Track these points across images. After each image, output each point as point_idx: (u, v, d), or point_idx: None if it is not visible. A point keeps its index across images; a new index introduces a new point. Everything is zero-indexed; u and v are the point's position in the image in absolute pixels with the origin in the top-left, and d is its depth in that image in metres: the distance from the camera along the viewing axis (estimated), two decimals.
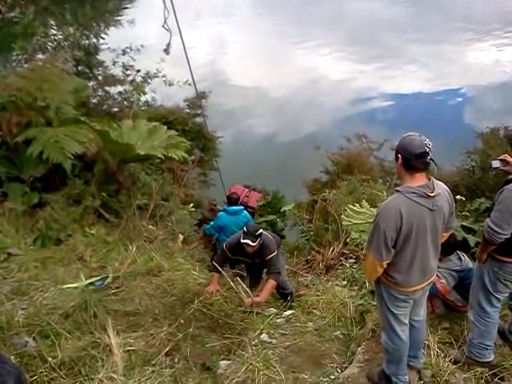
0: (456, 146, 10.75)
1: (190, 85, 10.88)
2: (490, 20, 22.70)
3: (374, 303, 4.10)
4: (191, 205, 8.83)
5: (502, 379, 3.58)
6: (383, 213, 2.99)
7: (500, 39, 20.86)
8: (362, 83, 18.69)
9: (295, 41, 22.11)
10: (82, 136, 6.66)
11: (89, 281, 4.96)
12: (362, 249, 6.36)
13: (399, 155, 3.00)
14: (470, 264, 4.24)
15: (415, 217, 2.94)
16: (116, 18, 11.42)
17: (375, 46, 21.50)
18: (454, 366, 3.67)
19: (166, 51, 9.35)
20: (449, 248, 4.20)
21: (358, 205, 7.09)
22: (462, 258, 4.23)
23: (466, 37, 21.40)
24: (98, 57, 10.73)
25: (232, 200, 7.32)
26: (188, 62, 8.29)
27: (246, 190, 9.63)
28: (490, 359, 3.68)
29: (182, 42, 8.51)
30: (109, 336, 4.01)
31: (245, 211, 7.27)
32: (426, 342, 3.81)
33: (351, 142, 11.99)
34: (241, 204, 9.20)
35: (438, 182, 3.06)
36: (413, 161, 2.93)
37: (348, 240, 7.16)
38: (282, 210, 10.60)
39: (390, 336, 3.34)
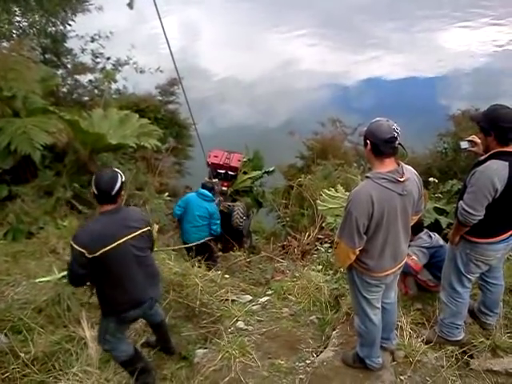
0: (429, 129, 10.91)
1: (161, 71, 10.78)
2: (462, 5, 22.86)
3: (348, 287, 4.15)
4: (166, 193, 8.76)
5: (471, 356, 3.67)
6: (354, 200, 2.99)
7: (470, 23, 21.07)
8: (336, 68, 18.73)
9: (268, 26, 21.96)
10: (51, 126, 6.53)
11: (62, 274, 4.86)
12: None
13: (368, 141, 3.00)
14: (441, 241, 4.31)
15: (386, 202, 2.95)
16: (84, 4, 11.05)
17: (349, 31, 21.55)
18: (426, 346, 3.75)
19: (130, 5, 8.97)
20: (416, 228, 4.26)
21: (333, 189, 7.15)
22: (433, 235, 4.30)
23: (438, 21, 21.54)
24: (65, 44, 10.48)
25: (206, 187, 7.25)
26: (168, 46, 8.11)
27: (227, 152, 9.67)
28: (461, 337, 3.77)
29: (162, 24, 8.31)
30: (83, 329, 3.95)
31: (213, 204, 7.23)
32: (399, 324, 3.88)
33: (325, 127, 12.05)
34: (222, 166, 9.28)
35: (406, 166, 3.07)
36: (381, 146, 2.93)
37: (324, 225, 7.23)
38: (263, 171, 10.68)
39: (363, 320, 3.38)
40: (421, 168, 9.50)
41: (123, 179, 3.29)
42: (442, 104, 15.39)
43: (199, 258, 5.89)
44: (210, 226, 7.05)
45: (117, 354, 3.52)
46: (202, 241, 6.99)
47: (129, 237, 3.22)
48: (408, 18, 21.65)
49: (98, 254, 3.09)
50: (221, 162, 9.40)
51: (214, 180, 8.65)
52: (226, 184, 9.39)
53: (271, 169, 10.81)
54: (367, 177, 3.03)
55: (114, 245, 3.15)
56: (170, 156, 10.68)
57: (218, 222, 7.12)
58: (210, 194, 7.14)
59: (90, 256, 3.07)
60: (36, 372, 3.55)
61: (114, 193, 3.18)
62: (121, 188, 3.24)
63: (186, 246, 6.91)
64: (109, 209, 3.22)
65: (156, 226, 7.02)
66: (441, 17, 21.64)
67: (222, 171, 9.43)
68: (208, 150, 9.72)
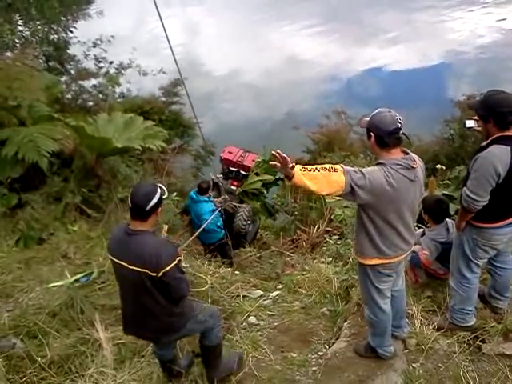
0: (435, 117, 10.82)
1: (164, 73, 10.82)
2: None
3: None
4: (175, 194, 8.79)
5: (483, 341, 3.67)
6: (371, 175, 2.87)
7: (474, 7, 20.84)
8: (340, 60, 18.63)
9: (271, 18, 21.89)
10: (57, 133, 6.60)
11: (74, 278, 4.94)
12: (346, 224, 6.45)
13: (371, 133, 2.98)
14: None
15: (400, 189, 2.93)
16: (84, 10, 11.15)
17: (353, 22, 21.37)
18: (438, 333, 3.76)
19: None
20: (440, 215, 4.25)
21: None
22: (451, 229, 4.17)
23: (442, 8, 21.31)
24: (68, 51, 10.57)
25: (200, 188, 7.22)
26: (170, 45, 8.16)
27: (242, 150, 9.27)
28: (472, 323, 3.77)
29: (162, 24, 8.34)
30: (97, 331, 4.00)
31: (205, 204, 7.16)
32: (410, 312, 3.89)
33: (330, 120, 12.02)
34: (235, 164, 9.02)
35: (412, 154, 3.08)
36: (386, 138, 2.92)
37: (332, 217, 7.24)
38: (277, 176, 10.01)
39: (373, 310, 3.39)
40: (428, 155, 9.46)
41: (164, 195, 3.04)
42: (447, 91, 15.25)
43: (218, 259, 5.92)
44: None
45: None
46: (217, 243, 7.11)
47: (128, 266, 2.98)
48: (412, 6, 21.43)
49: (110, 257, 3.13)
50: (234, 159, 9.04)
51: (218, 175, 8.55)
52: (236, 183, 9.11)
53: None
54: (381, 163, 2.96)
55: (116, 261, 3.05)
56: (177, 156, 10.72)
57: (206, 216, 7.00)
58: (200, 198, 7.09)
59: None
60: (53, 375, 3.61)
61: (148, 208, 2.92)
62: (157, 204, 2.97)
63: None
64: (134, 228, 2.99)
65: (165, 227, 7.06)
66: (446, 5, 21.40)
67: (235, 169, 9.17)
68: (223, 147, 9.51)
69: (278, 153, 2.73)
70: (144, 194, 2.94)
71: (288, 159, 2.73)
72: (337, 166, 2.82)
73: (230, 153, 9.12)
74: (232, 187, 8.95)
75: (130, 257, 2.96)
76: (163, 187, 3.07)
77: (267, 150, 10.31)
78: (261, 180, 9.76)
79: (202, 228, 6.62)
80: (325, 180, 2.78)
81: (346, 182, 2.78)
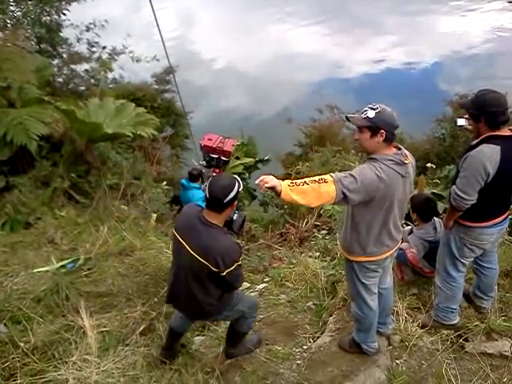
0: (427, 115, 10.87)
1: (158, 60, 10.72)
2: None
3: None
4: (164, 182, 8.76)
5: (466, 340, 3.70)
6: (363, 174, 2.86)
7: (467, 6, 20.92)
8: (334, 54, 18.62)
9: (266, 13, 21.78)
10: (47, 116, 6.53)
11: (60, 264, 4.90)
12: (335, 220, 6.46)
13: (382, 130, 2.91)
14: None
15: (391, 184, 2.93)
16: None
17: (347, 17, 21.36)
18: (422, 330, 3.78)
19: None
20: (429, 213, 4.28)
21: None
22: (438, 228, 4.20)
23: (437, 6, 21.37)
24: (61, 34, 10.40)
25: (191, 175, 7.27)
26: (160, 33, 8.00)
27: (221, 137, 9.26)
28: (456, 321, 3.81)
29: (153, 11, 8.19)
30: (82, 318, 3.96)
31: (195, 190, 7.20)
32: (395, 309, 3.91)
33: (323, 114, 12.03)
34: (215, 150, 8.99)
35: (404, 150, 3.08)
36: (391, 134, 2.94)
37: (322, 212, 7.24)
38: (257, 158, 10.34)
39: (360, 306, 3.40)
40: (419, 153, 9.51)
41: (240, 188, 3.07)
42: (440, 89, 15.32)
43: None
44: None
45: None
46: None
47: (190, 250, 3.06)
48: (406, 5, 21.46)
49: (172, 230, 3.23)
50: (214, 146, 9.08)
51: (201, 162, 8.55)
52: (217, 171, 9.21)
53: (266, 157, 10.51)
54: (373, 159, 2.95)
55: (177, 236, 3.13)
56: (168, 145, 10.65)
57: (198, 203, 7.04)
58: (191, 185, 7.16)
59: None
60: (36, 361, 3.57)
61: (225, 201, 2.98)
62: (234, 198, 3.02)
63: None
64: (208, 218, 3.04)
65: (154, 216, 7.05)
66: (440, 4, 21.45)
67: (215, 156, 9.20)
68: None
69: (260, 181, 2.75)
70: (222, 186, 2.99)
71: (270, 181, 2.74)
72: (326, 177, 2.79)
73: (210, 139, 9.14)
74: (214, 174, 8.99)
75: (199, 246, 3.01)
76: (240, 181, 3.10)
77: (245, 134, 10.47)
78: (242, 163, 9.85)
79: None
80: (314, 193, 2.76)
81: (337, 190, 2.76)
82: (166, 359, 3.72)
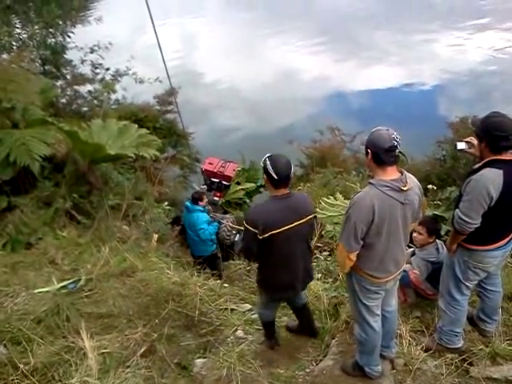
0: (428, 137, 10.91)
1: (160, 82, 10.82)
2: (456, 12, 23.04)
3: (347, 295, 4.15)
4: (166, 203, 8.75)
5: (470, 364, 3.67)
6: (356, 205, 3.01)
7: (467, 29, 21.22)
8: (335, 76, 18.80)
9: (267, 34, 22.08)
10: (50, 137, 6.55)
11: (61, 284, 4.87)
12: (336, 241, 6.44)
13: (369, 150, 3.02)
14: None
15: (388, 211, 2.97)
16: (83, 16, 11.14)
17: (347, 39, 21.64)
18: (426, 354, 3.75)
19: None
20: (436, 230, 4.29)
21: (332, 197, 7.15)
22: (441, 249, 4.21)
23: (434, 28, 21.68)
24: (65, 56, 10.51)
25: (193, 198, 7.27)
26: (162, 55, 8.15)
27: (222, 161, 9.47)
28: (460, 345, 3.77)
29: (156, 34, 8.35)
30: (82, 339, 3.94)
31: (198, 213, 7.22)
32: (399, 332, 3.88)
33: (324, 135, 12.08)
34: (216, 175, 9.14)
35: (409, 175, 3.09)
36: (382, 155, 2.96)
37: (323, 233, 7.22)
38: (258, 184, 10.32)
39: (363, 328, 3.38)
40: (420, 175, 9.50)
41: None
42: (440, 111, 15.42)
43: (208, 271, 5.93)
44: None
45: (262, 314, 4.06)
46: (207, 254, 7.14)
47: (297, 223, 3.39)
48: (405, 28, 21.79)
49: (267, 235, 3.33)
50: (215, 170, 9.17)
51: (202, 186, 8.58)
52: (218, 194, 9.20)
53: None
54: (370, 183, 3.03)
55: (283, 229, 3.35)
56: (170, 166, 10.68)
57: (203, 226, 7.09)
58: (195, 207, 7.15)
59: (261, 237, 3.33)
60: (35, 383, 3.53)
61: (292, 175, 3.39)
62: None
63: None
64: (284, 193, 3.40)
65: (155, 236, 7.04)
66: (438, 27, 21.76)
67: (216, 180, 9.24)
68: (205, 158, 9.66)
69: None
70: (285, 164, 3.35)
71: None
72: (337, 241, 3.22)
73: (211, 164, 9.27)
74: (215, 198, 9.03)
75: (300, 213, 3.43)
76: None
77: (246, 159, 10.49)
78: (243, 189, 9.94)
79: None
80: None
81: (348, 247, 3.06)
82: (278, 344, 4.20)
